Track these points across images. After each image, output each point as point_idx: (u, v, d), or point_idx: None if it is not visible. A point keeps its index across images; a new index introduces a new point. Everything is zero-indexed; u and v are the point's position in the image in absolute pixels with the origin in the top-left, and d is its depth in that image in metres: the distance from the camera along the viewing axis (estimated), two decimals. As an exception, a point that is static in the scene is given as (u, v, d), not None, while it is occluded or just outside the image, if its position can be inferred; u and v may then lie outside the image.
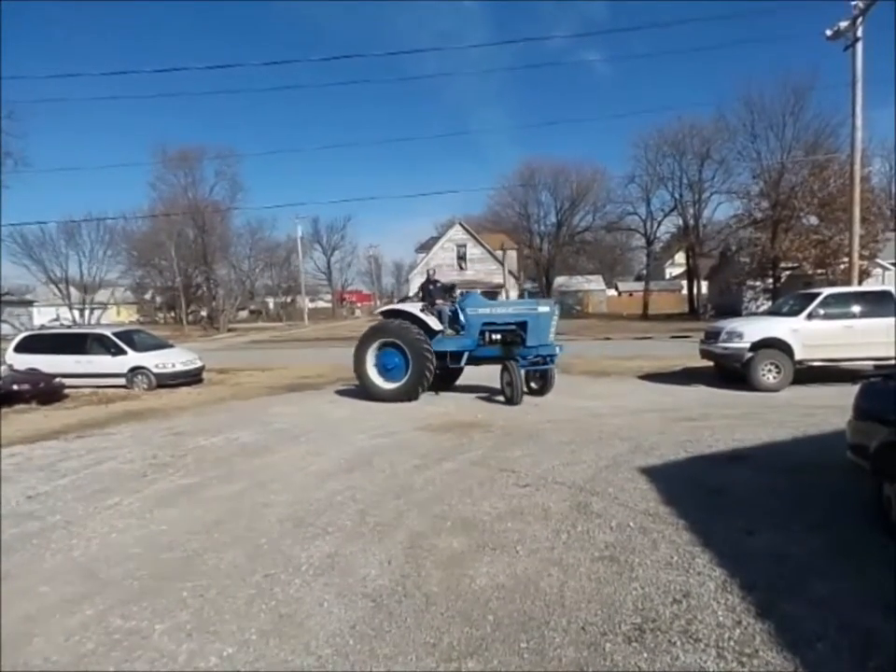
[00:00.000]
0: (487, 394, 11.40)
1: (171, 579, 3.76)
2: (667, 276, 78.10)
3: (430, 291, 12.52)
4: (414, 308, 11.73)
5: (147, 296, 70.87)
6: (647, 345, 23.76)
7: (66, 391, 13.86)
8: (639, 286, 66.62)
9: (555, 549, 4.09)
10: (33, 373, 13.99)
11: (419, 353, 10.96)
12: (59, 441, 8.33)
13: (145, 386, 14.84)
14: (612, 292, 73.99)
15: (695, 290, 49.41)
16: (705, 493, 5.18)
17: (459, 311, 11.49)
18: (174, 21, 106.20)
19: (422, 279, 43.59)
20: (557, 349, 11.34)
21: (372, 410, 10.22)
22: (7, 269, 58.03)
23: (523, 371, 11.01)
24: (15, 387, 12.53)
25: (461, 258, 45.88)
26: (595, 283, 68.78)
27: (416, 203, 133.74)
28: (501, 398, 10.71)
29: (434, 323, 11.40)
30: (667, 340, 26.80)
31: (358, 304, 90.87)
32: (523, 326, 11.12)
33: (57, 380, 13.83)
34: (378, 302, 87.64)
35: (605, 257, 66.43)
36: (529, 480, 5.74)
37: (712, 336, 12.46)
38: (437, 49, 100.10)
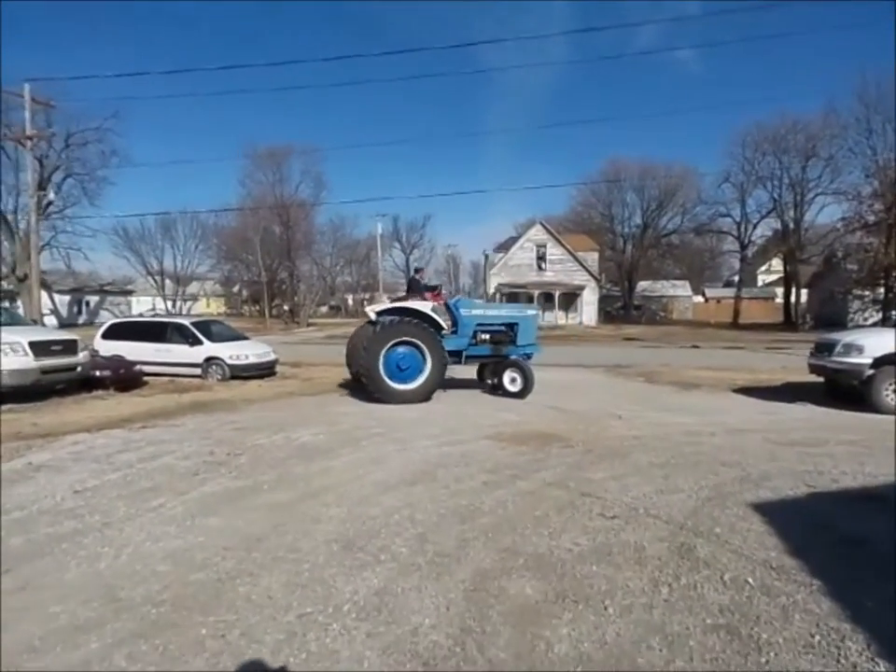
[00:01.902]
0: (540, 398, 10.53)
1: (193, 610, 3.23)
2: (760, 283, 73.54)
3: (419, 288, 12.18)
4: (426, 306, 11.30)
5: (235, 289, 73.69)
6: (739, 356, 21.97)
7: (145, 379, 14.10)
8: (729, 292, 63.07)
9: (655, 608, 3.28)
10: (114, 360, 14.32)
11: (437, 352, 10.91)
12: (124, 431, 8.19)
13: (218, 377, 14.90)
14: (699, 298, 70.38)
15: (793, 299, 45.95)
16: (840, 543, 4.18)
17: (454, 311, 11.64)
18: (269, 20, 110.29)
19: (498, 279, 42.94)
20: (538, 349, 12.59)
21: (441, 413, 9.60)
22: (111, 260, 61.79)
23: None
24: (97, 373, 12.78)
25: (540, 258, 44.74)
26: (680, 288, 65.61)
27: (495, 204, 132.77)
28: (570, 405, 9.95)
29: (443, 322, 11.27)
30: (762, 351, 24.81)
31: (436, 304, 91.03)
32: (513, 327, 12.01)
33: (137, 367, 14.08)
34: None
35: (692, 261, 63.10)
36: (617, 510, 4.90)
37: (824, 349, 11.03)
38: (517, 38, 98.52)
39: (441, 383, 11.17)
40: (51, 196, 36.26)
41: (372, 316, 11.44)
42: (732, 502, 5.07)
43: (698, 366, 17.17)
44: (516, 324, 12.03)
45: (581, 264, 44.64)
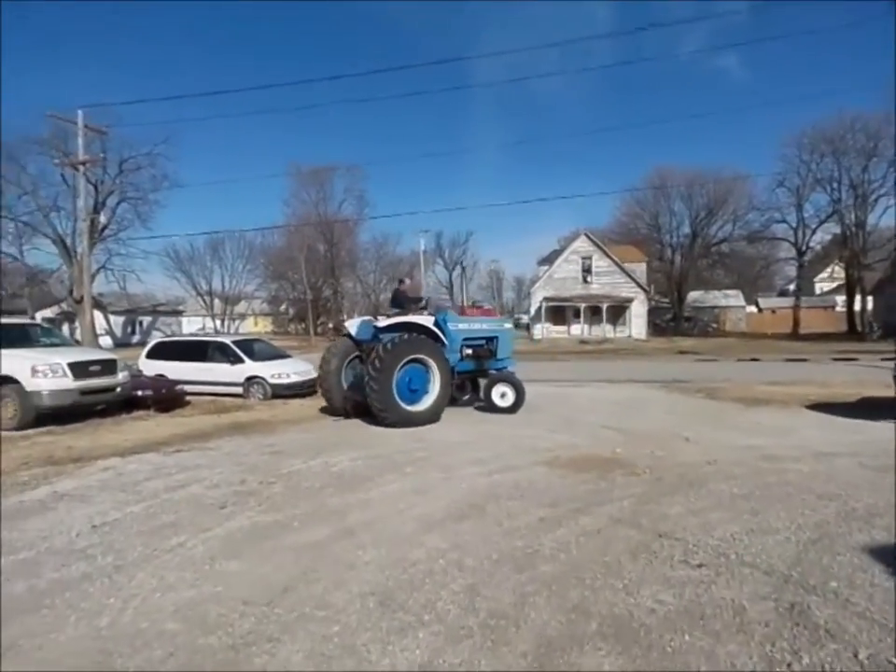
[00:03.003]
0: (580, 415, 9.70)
1: (196, 690, 2.66)
2: (818, 291, 70.31)
3: (404, 303, 11.48)
4: (429, 321, 10.63)
5: (281, 308, 74.72)
6: (805, 369, 20.57)
7: (187, 398, 13.90)
8: (784, 302, 60.54)
9: (777, 703, 2.54)
10: (156, 379, 14.19)
11: (445, 369, 10.37)
12: (157, 455, 7.81)
13: (260, 396, 14.62)
14: (752, 309, 67.67)
15: (857, 307, 43.48)
16: None
17: (442, 326, 10.81)
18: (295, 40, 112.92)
19: (543, 293, 42.15)
20: (513, 363, 12.31)
21: (489, 434, 8.92)
22: (162, 281, 63.46)
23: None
24: (138, 393, 12.61)
25: (586, 270, 43.65)
26: (733, 298, 63.17)
27: (539, 218, 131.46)
28: (628, 425, 9.12)
29: (443, 338, 10.62)
30: (828, 363, 23.25)
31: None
32: (492, 341, 11.78)
33: (178, 387, 13.90)
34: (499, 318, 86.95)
35: (745, 270, 60.57)
36: (702, 555, 4.14)
37: (913, 361, 9.92)
38: (554, 44, 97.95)
39: (447, 402, 10.55)
40: (103, 219, 37.37)
41: (352, 331, 11.02)
42: (842, 546, 4.24)
43: (763, 380, 15.99)
44: (496, 338, 11.86)
45: (629, 275, 43.34)
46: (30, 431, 9.93)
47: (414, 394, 10.00)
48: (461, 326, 11.17)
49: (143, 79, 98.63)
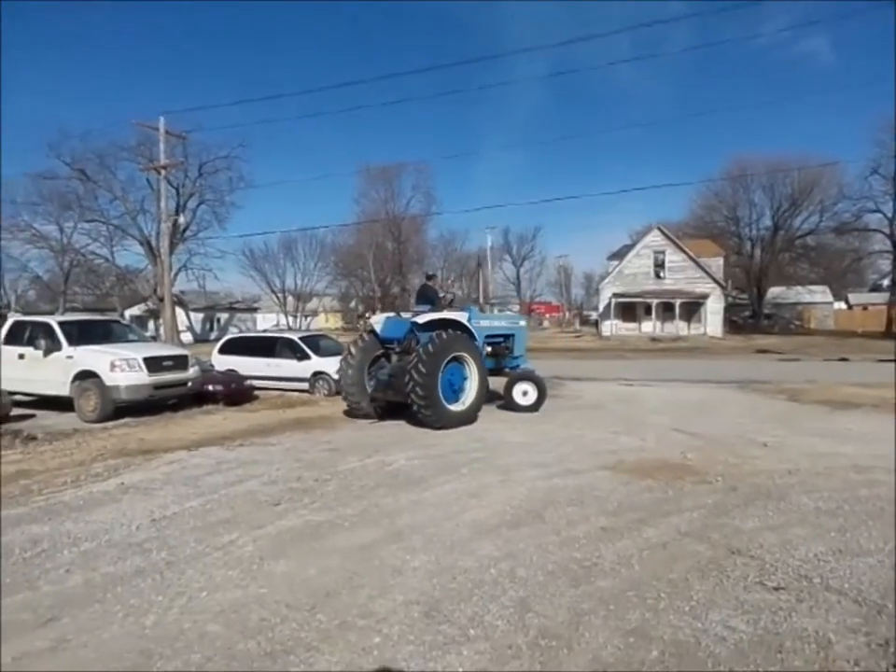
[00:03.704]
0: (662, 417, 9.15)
1: (229, 700, 2.58)
2: (916, 287, 65.05)
3: (434, 297, 10.99)
4: (463, 317, 10.23)
5: (351, 304, 76.27)
6: (903, 370, 18.93)
7: (256, 393, 14.26)
8: (878, 297, 56.47)
9: (870, 760, 2.20)
10: (226, 375, 14.62)
11: (482, 367, 10.13)
12: (220, 449, 7.97)
13: (325, 392, 14.79)
14: (841, 305, 63.48)
15: (962, 303, 39.98)
16: None
17: (471, 323, 10.44)
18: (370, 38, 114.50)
19: (613, 289, 40.85)
20: (527, 361, 12.06)
21: (551, 435, 8.62)
22: (239, 279, 65.99)
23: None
24: (209, 388, 13.02)
25: (659, 265, 42.06)
26: (819, 294, 59.41)
27: (609, 212, 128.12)
28: (700, 428, 8.56)
29: (476, 335, 10.41)
30: (929, 364, 21.34)
31: (546, 315, 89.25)
32: (509, 338, 11.56)
33: (247, 382, 14.28)
34: (567, 314, 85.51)
35: (832, 264, 56.74)
36: (781, 577, 3.75)
37: None
38: (625, 28, 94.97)
39: (483, 401, 10.23)
40: (183, 220, 39.16)
41: (377, 328, 10.52)
42: (947, 574, 3.74)
43: (851, 382, 14.82)
44: (513, 335, 11.66)
45: (705, 270, 41.44)
46: (108, 424, 10.41)
47: (455, 393, 9.78)
48: (483, 323, 10.89)
49: (219, 85, 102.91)
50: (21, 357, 11.45)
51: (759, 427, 9.18)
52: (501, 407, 11.03)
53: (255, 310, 69.02)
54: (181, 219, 38.58)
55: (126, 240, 44.27)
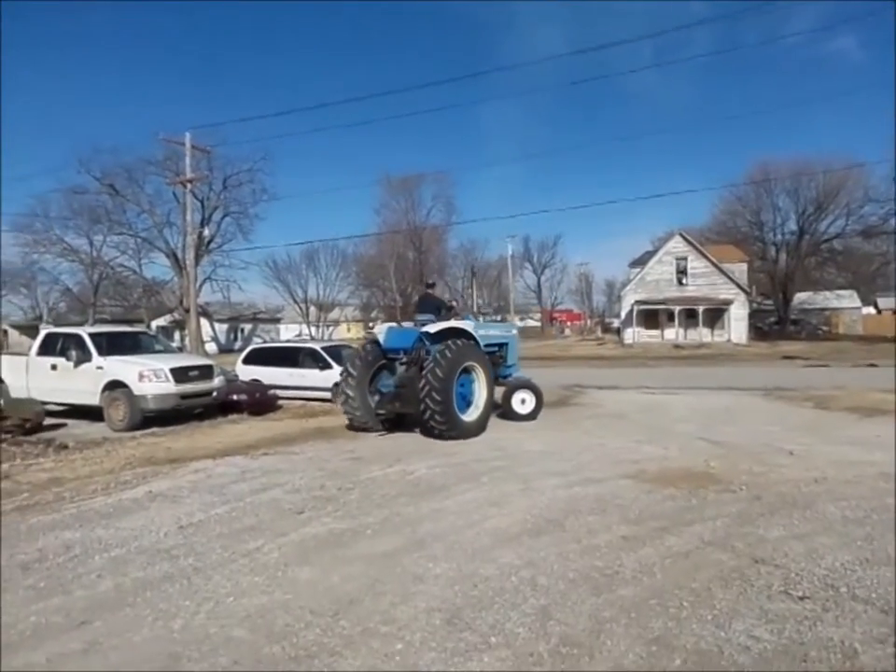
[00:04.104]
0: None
1: (255, 702, 2.64)
2: (949, 291, 63.48)
3: (438, 306, 10.92)
4: (469, 326, 10.11)
5: (373, 314, 76.79)
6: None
7: (280, 402, 14.43)
8: (910, 302, 55.11)
9: None
10: (250, 384, 14.82)
11: (490, 377, 10.08)
12: (244, 458, 8.09)
13: (346, 401, 14.91)
14: (870, 310, 62.18)
15: None
16: None
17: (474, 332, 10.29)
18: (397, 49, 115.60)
19: (634, 296, 40.52)
20: (519, 370, 11.97)
21: (572, 443, 8.60)
22: (262, 290, 66.88)
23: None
24: (234, 397, 13.21)
25: (681, 272, 41.66)
26: (846, 299, 58.23)
27: (630, 219, 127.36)
28: (725, 436, 8.48)
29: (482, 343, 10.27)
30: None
31: (568, 323, 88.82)
32: (503, 347, 11.33)
33: (271, 392, 14.45)
34: (588, 322, 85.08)
35: (860, 268, 55.60)
36: (806, 586, 3.71)
37: None
38: (649, 35, 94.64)
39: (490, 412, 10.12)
40: (208, 233, 39.86)
41: (380, 338, 10.26)
42: (978, 584, 3.67)
43: (881, 388, 14.51)
44: (506, 344, 11.47)
45: (728, 276, 40.95)
46: (136, 432, 10.63)
47: (467, 403, 9.64)
48: (481, 332, 10.55)
49: (243, 99, 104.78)
50: (54, 367, 11.75)
51: (785, 434, 9.05)
52: (500, 416, 10.83)
53: (278, 320, 69.78)
54: (206, 232, 39.28)
55: (153, 252, 45.24)
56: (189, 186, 28.89)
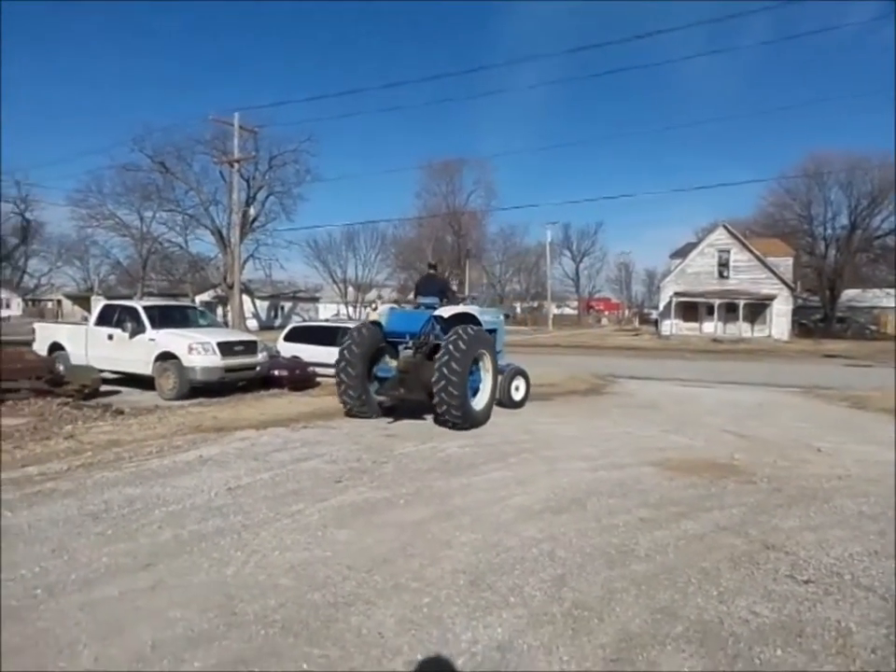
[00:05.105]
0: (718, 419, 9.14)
1: (300, 637, 3.02)
2: None
3: (443, 289, 10.60)
4: (476, 311, 9.97)
5: (409, 296, 77.31)
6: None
7: (318, 380, 14.96)
8: (966, 303, 52.76)
9: (868, 729, 2.42)
10: (291, 361, 15.37)
11: (496, 365, 9.83)
12: (286, 430, 8.56)
13: (382, 381, 15.35)
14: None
15: None
16: None
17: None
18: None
19: (674, 288, 39.80)
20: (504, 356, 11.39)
21: (601, 430, 8.82)
22: (302, 269, 68.00)
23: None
24: (275, 373, 13.77)
25: (723, 264, 40.93)
26: (898, 298, 56.12)
27: (674, 208, 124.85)
28: (754, 431, 8.54)
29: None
30: None
31: (605, 312, 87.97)
32: (493, 333, 10.45)
33: (311, 368, 14.98)
34: (626, 312, 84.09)
35: (914, 265, 53.58)
36: (812, 571, 3.92)
37: None
38: (699, 22, 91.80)
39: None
40: (252, 212, 40.79)
41: (381, 320, 9.77)
42: (983, 580, 3.82)
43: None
44: (495, 330, 10.73)
45: (772, 271, 40.05)
46: (185, 402, 11.24)
47: (474, 392, 9.24)
48: (484, 318, 10.20)
49: (290, 81, 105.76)
50: (110, 337, 12.47)
51: (817, 432, 9.08)
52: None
53: (317, 299, 70.96)
54: (251, 211, 40.21)
55: (199, 229, 46.56)
56: (236, 165, 29.63)
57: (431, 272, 11.34)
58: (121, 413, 9.67)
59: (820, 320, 50.72)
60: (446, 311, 9.55)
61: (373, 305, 10.83)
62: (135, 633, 3.03)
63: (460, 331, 8.77)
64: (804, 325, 47.18)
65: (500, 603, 3.43)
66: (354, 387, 9.39)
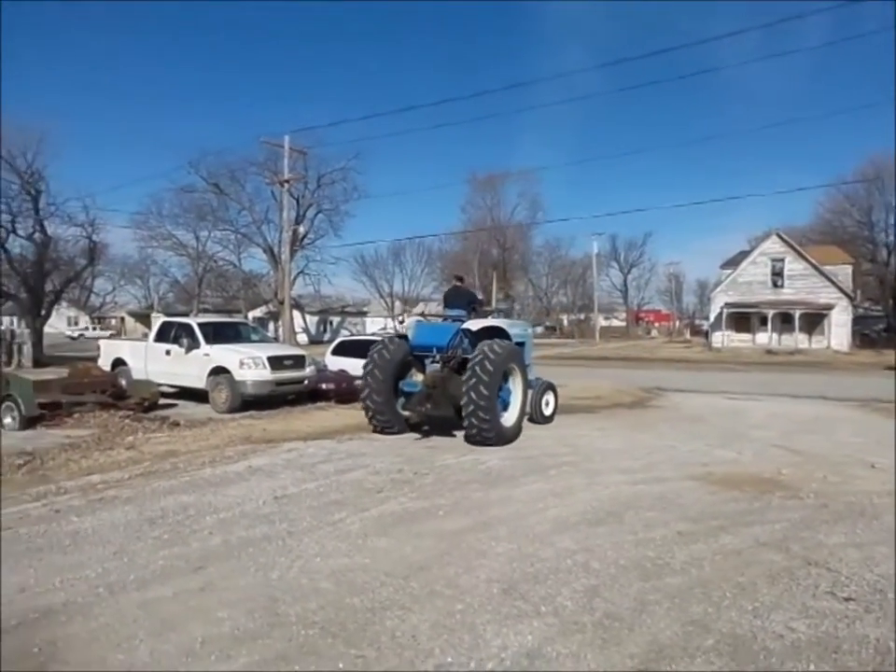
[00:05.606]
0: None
1: (338, 638, 3.17)
2: None
3: (471, 301, 10.44)
4: (504, 323, 9.75)
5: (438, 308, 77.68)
6: None
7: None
8: None
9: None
10: (338, 374, 15.75)
11: (525, 379, 9.59)
12: (331, 441, 8.82)
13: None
14: None
15: None
16: None
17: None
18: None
19: (725, 298, 38.79)
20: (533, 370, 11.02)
21: (645, 444, 8.74)
22: (350, 284, 69.22)
23: None
24: (322, 386, 14.15)
25: (777, 274, 39.65)
26: (970, 307, 53.11)
27: (726, 215, 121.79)
28: (804, 445, 8.33)
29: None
30: None
31: (655, 324, 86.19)
32: (522, 346, 10.17)
33: (357, 382, 15.29)
34: (676, 323, 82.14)
35: None
36: (854, 588, 3.85)
37: None
38: (751, 28, 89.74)
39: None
40: (302, 229, 41.98)
41: (408, 333, 9.70)
42: None
43: None
44: (524, 343, 10.41)
45: (830, 279, 38.57)
46: (236, 415, 11.68)
47: (504, 407, 9.04)
48: (513, 331, 9.92)
49: (338, 102, 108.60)
50: (168, 353, 13.10)
51: (873, 447, 8.75)
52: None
53: (364, 314, 72.05)
54: (301, 229, 41.38)
55: (251, 247, 48.27)
56: (286, 185, 30.66)
57: (458, 283, 11.12)
58: (177, 424, 10.14)
59: (884, 330, 48.44)
60: (474, 324, 9.41)
61: (399, 318, 11.04)
62: (187, 630, 3.25)
63: (486, 350, 8.48)
64: (866, 335, 45.14)
65: (532, 612, 3.51)
66: (381, 406, 9.22)
